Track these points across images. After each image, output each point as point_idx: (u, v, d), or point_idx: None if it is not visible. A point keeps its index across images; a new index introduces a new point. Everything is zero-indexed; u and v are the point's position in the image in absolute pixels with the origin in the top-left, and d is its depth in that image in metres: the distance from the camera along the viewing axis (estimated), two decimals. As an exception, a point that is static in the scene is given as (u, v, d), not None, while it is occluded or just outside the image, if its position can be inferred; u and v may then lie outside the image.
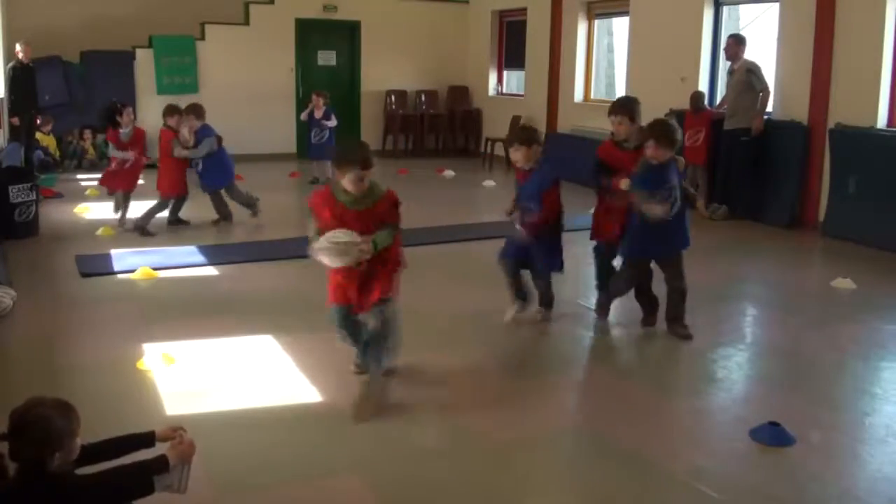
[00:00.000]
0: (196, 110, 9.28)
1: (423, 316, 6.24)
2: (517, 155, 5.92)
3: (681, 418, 4.68)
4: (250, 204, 9.67)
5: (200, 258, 7.69)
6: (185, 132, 9.09)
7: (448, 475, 3.90)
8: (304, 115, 12.57)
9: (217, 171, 9.38)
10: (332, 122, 12.33)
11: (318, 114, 12.33)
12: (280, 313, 6.21)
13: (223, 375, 5.00)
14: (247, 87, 14.80)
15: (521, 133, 6.12)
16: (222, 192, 9.49)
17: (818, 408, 4.82)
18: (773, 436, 4.28)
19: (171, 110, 9.30)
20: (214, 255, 7.81)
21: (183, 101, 13.58)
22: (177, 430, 3.19)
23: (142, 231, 8.79)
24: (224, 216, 9.48)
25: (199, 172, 9.32)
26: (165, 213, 9.16)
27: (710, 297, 7.02)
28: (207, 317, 6.09)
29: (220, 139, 9.35)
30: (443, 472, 3.93)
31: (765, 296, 7.28)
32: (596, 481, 3.94)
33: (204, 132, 9.22)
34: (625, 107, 6.35)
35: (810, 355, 5.71)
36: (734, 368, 5.48)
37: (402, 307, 6.39)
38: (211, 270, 7.40)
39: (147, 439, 3.20)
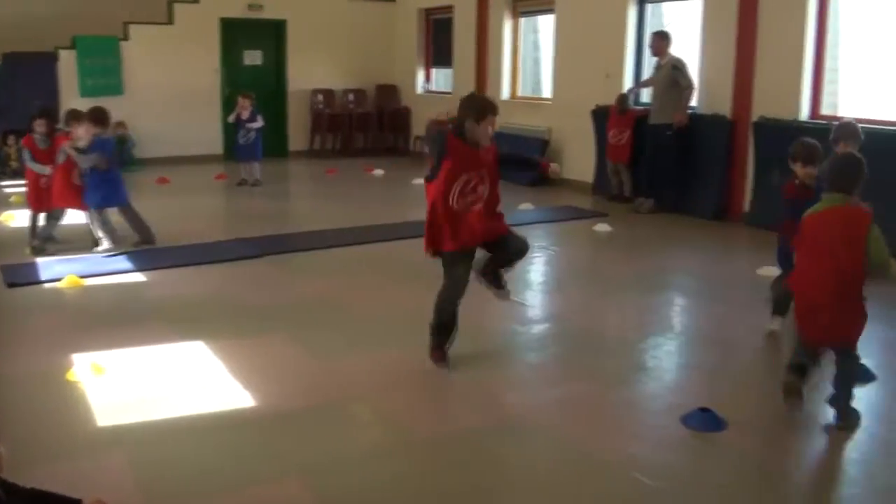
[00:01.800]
0: (95, 116, 8.19)
1: (358, 315, 6.25)
2: None
3: (613, 408, 4.74)
4: (142, 231, 8.45)
5: (128, 265, 7.55)
6: (81, 136, 7.92)
7: (388, 475, 3.89)
8: (231, 118, 12.40)
9: (101, 189, 8.08)
10: (259, 124, 12.17)
11: (245, 115, 12.14)
12: (210, 318, 6.14)
13: (154, 384, 4.91)
14: (172, 88, 14.55)
15: None
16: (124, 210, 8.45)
17: (748, 392, 4.93)
18: (703, 421, 4.36)
19: (73, 115, 8.17)
20: (142, 260, 7.68)
21: (108, 103, 13.40)
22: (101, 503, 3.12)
23: (38, 249, 8.06)
24: (145, 238, 8.45)
25: (85, 185, 8.10)
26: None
27: (638, 289, 7.13)
28: (137, 324, 5.98)
29: (110, 160, 8.16)
30: (382, 472, 3.92)
31: (693, 286, 7.41)
32: (533, 473, 3.97)
33: (99, 144, 8.05)
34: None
35: (739, 342, 5.84)
36: (664, 357, 5.57)
37: (336, 307, 6.41)
38: (139, 277, 7.28)
39: None
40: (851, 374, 4.43)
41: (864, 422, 4.47)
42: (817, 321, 4.29)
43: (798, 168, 5.47)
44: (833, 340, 4.36)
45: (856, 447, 4.27)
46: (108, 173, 8.14)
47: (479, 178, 5.02)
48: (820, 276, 4.23)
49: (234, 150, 12.86)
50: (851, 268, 4.17)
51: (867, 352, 4.84)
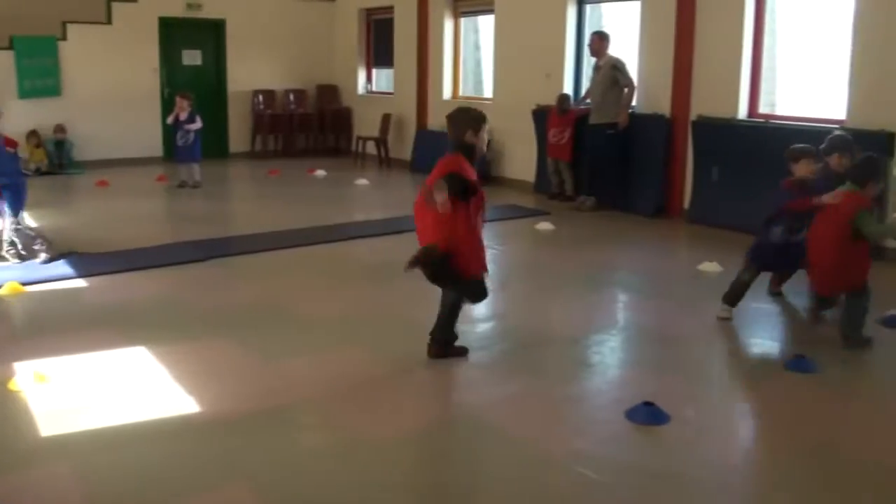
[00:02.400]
0: None
1: (303, 318, 6.24)
2: None
3: (559, 404, 4.80)
4: (29, 242, 7.83)
5: (69, 270, 7.43)
6: None
7: (335, 477, 3.89)
8: (170, 119, 12.23)
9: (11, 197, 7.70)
10: (197, 125, 12.02)
11: (183, 116, 11.99)
12: (154, 323, 6.06)
13: (98, 391, 4.84)
14: (111, 89, 14.34)
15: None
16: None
17: (691, 386, 5.02)
18: (647, 415, 4.45)
19: None
20: (83, 266, 7.57)
21: (46, 105, 13.17)
22: None
23: None
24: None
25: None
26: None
27: (581, 286, 7.22)
28: (79, 331, 5.89)
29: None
30: (329, 474, 3.92)
31: (635, 282, 7.52)
32: (478, 470, 4.00)
33: None
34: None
35: (681, 336, 5.94)
36: (608, 353, 5.65)
37: (281, 310, 6.39)
38: (80, 282, 7.17)
39: None
40: (856, 310, 5.59)
41: (794, 416, 4.60)
42: (826, 274, 5.63)
43: (800, 167, 6.04)
44: (843, 287, 5.64)
45: (797, 437, 4.38)
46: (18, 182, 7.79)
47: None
48: (827, 239, 5.54)
49: (174, 151, 12.72)
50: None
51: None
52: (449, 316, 5.40)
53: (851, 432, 4.48)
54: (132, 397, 4.75)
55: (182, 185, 12.20)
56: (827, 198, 5.55)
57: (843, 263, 5.51)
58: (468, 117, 5.20)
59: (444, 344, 5.39)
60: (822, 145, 6.36)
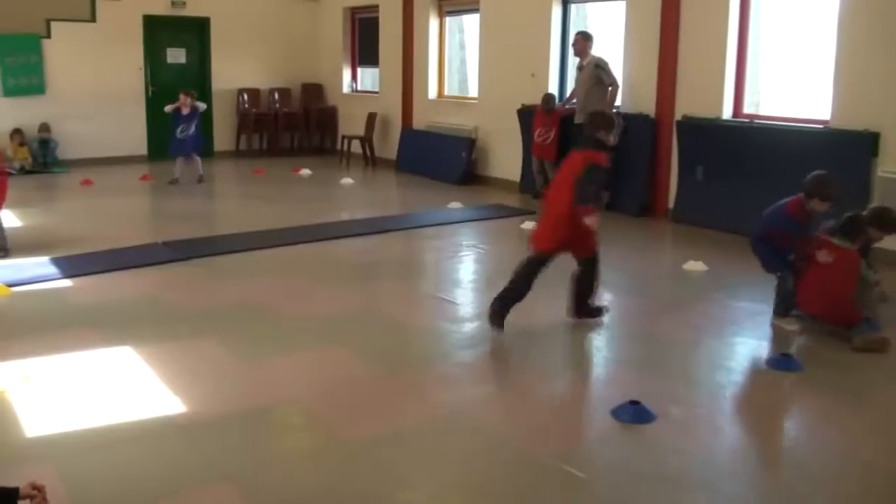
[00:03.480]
0: None
1: (287, 317, 6.22)
2: None
3: (544, 403, 4.81)
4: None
5: (54, 270, 7.39)
6: None
7: (320, 477, 3.89)
8: (170, 108, 12.40)
9: None
10: (202, 107, 12.61)
11: (185, 111, 12.28)
12: (137, 323, 6.04)
13: (83, 392, 4.81)
14: (95, 87, 14.27)
15: None
16: None
17: (676, 384, 5.04)
18: (633, 414, 4.46)
19: None
20: (68, 266, 7.53)
21: (30, 103, 13.09)
22: (38, 488, 3.25)
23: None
24: None
25: None
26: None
27: (565, 285, 7.21)
28: (64, 331, 5.85)
29: None
30: (315, 475, 3.92)
31: (620, 281, 7.53)
32: (466, 471, 4.01)
33: None
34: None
35: (666, 335, 5.96)
36: (594, 352, 5.67)
37: (265, 310, 6.38)
38: (66, 283, 7.13)
39: (10, 494, 3.18)
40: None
41: (779, 414, 4.63)
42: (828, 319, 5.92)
43: (817, 202, 5.88)
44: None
45: (782, 436, 4.41)
46: None
47: None
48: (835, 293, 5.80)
49: (170, 146, 12.72)
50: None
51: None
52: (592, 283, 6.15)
53: (836, 430, 4.52)
54: (117, 398, 4.73)
55: (174, 182, 12.21)
56: (822, 256, 5.82)
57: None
58: (603, 118, 6.09)
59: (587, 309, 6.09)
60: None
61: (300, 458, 4.10)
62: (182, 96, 12.37)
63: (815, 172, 5.91)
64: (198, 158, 12.58)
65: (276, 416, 4.55)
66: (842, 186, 5.98)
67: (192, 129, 12.37)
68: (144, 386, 4.90)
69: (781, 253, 6.04)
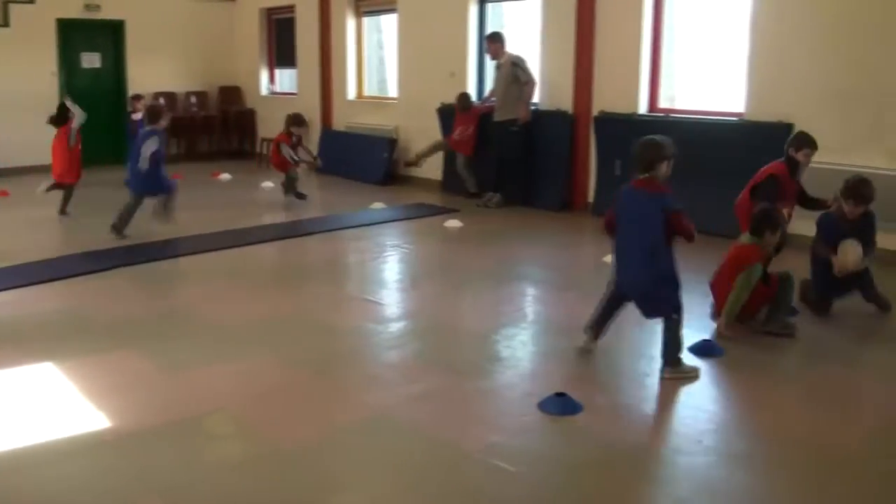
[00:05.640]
0: None
1: (212, 325, 6.14)
2: None
3: (472, 399, 4.84)
4: None
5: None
6: None
7: (252, 486, 3.84)
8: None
9: None
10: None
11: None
12: (60, 337, 5.87)
13: (4, 411, 4.65)
14: (8, 93, 13.83)
15: None
16: None
17: (601, 375, 5.14)
18: (560, 406, 4.53)
19: None
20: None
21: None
22: None
23: None
24: None
25: None
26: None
27: (490, 281, 7.29)
28: (-19, 348, 5.67)
29: None
30: (247, 484, 3.87)
31: (543, 276, 7.63)
32: (397, 470, 4.02)
33: None
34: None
35: (589, 328, 6.04)
36: (518, 346, 5.73)
37: (190, 318, 6.29)
38: (-19, 296, 6.92)
39: None
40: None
41: (702, 397, 4.74)
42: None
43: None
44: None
45: (708, 418, 4.51)
46: None
47: None
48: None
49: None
50: None
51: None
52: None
53: (760, 410, 4.68)
54: (40, 416, 4.58)
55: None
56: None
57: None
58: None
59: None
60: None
61: (231, 468, 4.04)
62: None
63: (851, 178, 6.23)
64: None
65: (204, 426, 4.47)
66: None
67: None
68: (68, 402, 4.76)
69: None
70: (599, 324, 5.45)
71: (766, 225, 5.86)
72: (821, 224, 6.33)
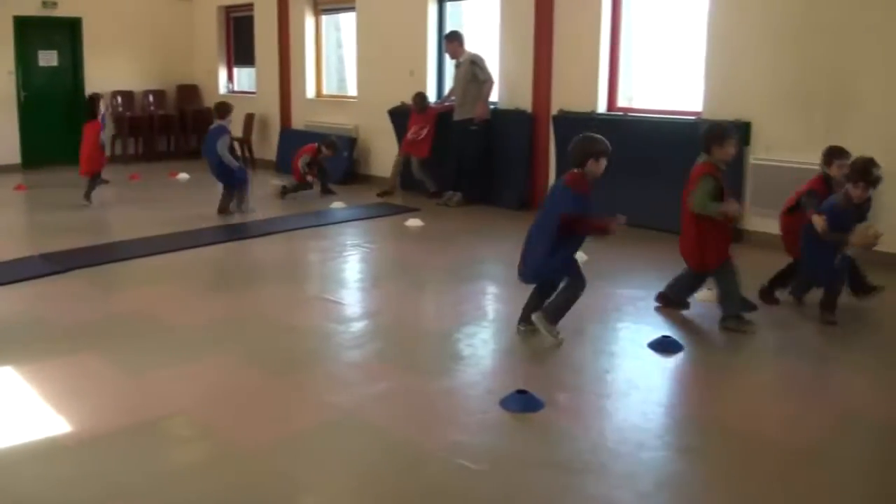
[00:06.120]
0: None
1: (171, 327, 6.09)
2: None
3: (435, 398, 4.85)
4: None
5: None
6: None
7: (214, 488, 3.82)
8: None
9: None
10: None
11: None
12: (16, 342, 5.78)
13: (-40, 413, 4.62)
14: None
15: None
16: None
17: (562, 372, 5.17)
18: (521, 403, 4.56)
19: None
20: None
21: None
22: None
23: None
24: None
25: None
26: None
27: (451, 280, 7.32)
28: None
29: None
30: (209, 486, 3.84)
31: (503, 274, 7.64)
32: (360, 470, 4.02)
33: None
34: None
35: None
36: (480, 345, 5.75)
37: (148, 320, 6.23)
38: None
39: None
40: (722, 288, 6.03)
41: (662, 393, 4.79)
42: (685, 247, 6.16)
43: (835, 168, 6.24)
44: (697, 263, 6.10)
45: (667, 414, 4.56)
46: None
47: None
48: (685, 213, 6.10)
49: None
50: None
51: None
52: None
53: (719, 405, 4.74)
54: (-2, 419, 4.55)
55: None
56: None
57: (695, 238, 5.97)
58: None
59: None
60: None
61: (193, 471, 4.01)
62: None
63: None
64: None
65: (166, 430, 4.44)
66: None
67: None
68: (27, 407, 4.69)
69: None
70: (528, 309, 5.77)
71: (712, 140, 5.87)
72: (829, 213, 6.04)
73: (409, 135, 11.41)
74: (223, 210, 10.42)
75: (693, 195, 5.84)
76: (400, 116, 11.86)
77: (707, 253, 5.96)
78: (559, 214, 5.38)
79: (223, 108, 10.53)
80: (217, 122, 10.43)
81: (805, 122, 8.18)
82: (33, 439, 4.30)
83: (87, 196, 11.04)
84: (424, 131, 11.26)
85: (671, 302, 6.34)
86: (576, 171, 5.46)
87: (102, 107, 12.03)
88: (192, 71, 16.59)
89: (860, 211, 6.06)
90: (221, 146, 10.19)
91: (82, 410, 4.64)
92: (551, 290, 5.68)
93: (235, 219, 10.15)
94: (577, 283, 5.57)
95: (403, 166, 11.73)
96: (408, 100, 11.70)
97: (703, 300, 6.44)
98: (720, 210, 5.79)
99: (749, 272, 6.36)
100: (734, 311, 5.94)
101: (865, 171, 5.89)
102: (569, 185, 5.45)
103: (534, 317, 5.57)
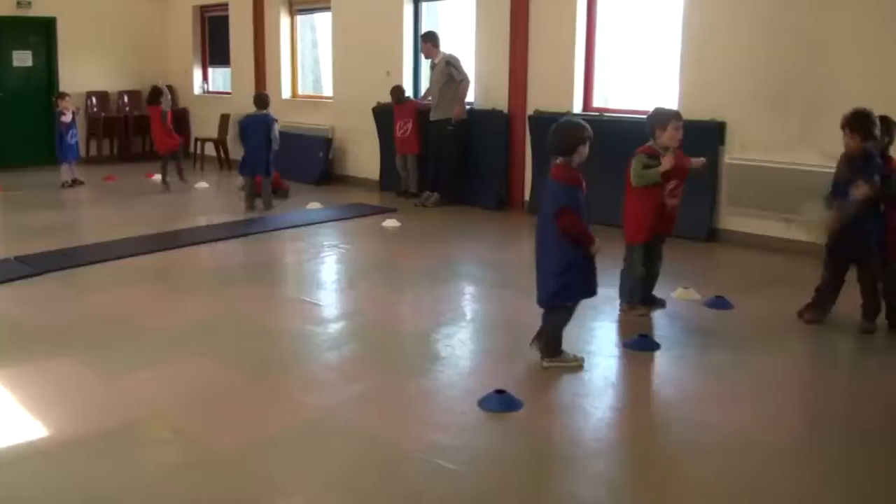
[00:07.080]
0: None
1: (147, 329, 6.05)
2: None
3: (413, 398, 4.85)
4: None
5: None
6: None
7: (192, 491, 3.80)
8: (67, 118, 12.44)
9: None
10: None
11: (68, 117, 12.32)
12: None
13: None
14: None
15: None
16: None
17: (540, 371, 5.17)
18: (500, 403, 4.56)
19: None
20: None
21: None
22: None
23: None
24: None
25: None
26: None
27: (429, 280, 7.32)
28: None
29: None
30: (187, 489, 3.82)
31: (480, 274, 7.67)
32: (340, 473, 4.00)
33: None
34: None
35: (528, 324, 6.03)
36: (458, 345, 5.75)
37: (124, 322, 6.20)
38: None
39: None
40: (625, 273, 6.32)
41: (639, 392, 4.82)
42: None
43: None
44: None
45: (645, 412, 4.59)
46: None
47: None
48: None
49: (64, 151, 12.53)
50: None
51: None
52: None
53: (695, 403, 4.74)
54: (-28, 423, 4.50)
55: (71, 183, 12.49)
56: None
57: (625, 210, 6.29)
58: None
59: None
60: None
61: (170, 474, 3.99)
62: (66, 100, 12.41)
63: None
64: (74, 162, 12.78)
65: (142, 433, 4.42)
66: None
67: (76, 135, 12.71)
68: (3, 411, 4.65)
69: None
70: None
71: (655, 124, 6.22)
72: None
73: (398, 133, 11.40)
74: (251, 206, 10.78)
75: (631, 175, 6.14)
76: (383, 115, 11.84)
77: (628, 224, 6.24)
78: (555, 213, 5.06)
79: (265, 99, 11.07)
80: (257, 112, 10.83)
81: (780, 121, 8.24)
82: (9, 444, 4.25)
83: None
84: (409, 126, 11.25)
85: (654, 302, 6.36)
86: (559, 162, 5.17)
87: (70, 106, 12.17)
88: (168, 71, 16.47)
89: (856, 168, 5.72)
90: (276, 132, 10.68)
91: (59, 414, 4.60)
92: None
93: (232, 217, 10.12)
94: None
95: (384, 157, 11.76)
96: (385, 100, 11.69)
97: (681, 298, 6.49)
98: (660, 170, 5.99)
99: (724, 271, 6.40)
100: (626, 298, 6.26)
101: (853, 119, 5.75)
102: (560, 180, 5.14)
103: (543, 363, 5.23)
